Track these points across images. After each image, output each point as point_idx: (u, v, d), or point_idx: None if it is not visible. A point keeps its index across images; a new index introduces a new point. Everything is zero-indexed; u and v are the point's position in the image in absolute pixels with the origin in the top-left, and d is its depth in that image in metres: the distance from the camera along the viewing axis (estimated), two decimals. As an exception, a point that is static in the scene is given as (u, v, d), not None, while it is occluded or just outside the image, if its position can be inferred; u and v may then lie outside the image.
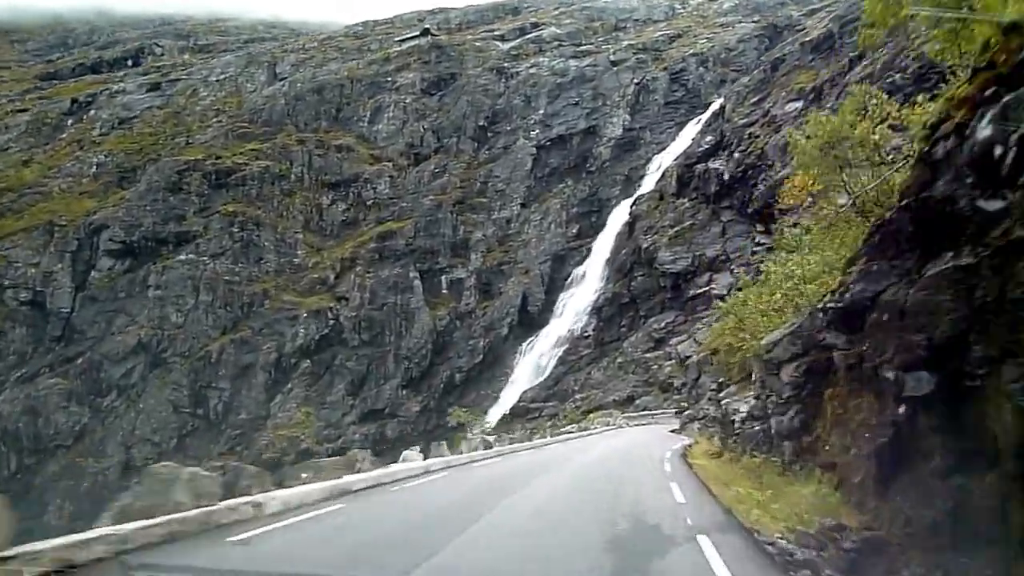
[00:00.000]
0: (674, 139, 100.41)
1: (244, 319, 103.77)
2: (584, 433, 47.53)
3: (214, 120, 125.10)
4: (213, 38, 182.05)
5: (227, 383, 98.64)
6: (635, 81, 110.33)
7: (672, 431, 41.11)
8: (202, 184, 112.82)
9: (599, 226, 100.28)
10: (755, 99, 76.27)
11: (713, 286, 71.00)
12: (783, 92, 71.17)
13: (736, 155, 73.36)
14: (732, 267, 69.14)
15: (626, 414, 62.51)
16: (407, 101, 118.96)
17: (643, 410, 62.44)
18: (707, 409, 30.77)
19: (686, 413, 37.40)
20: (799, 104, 66.98)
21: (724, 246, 72.84)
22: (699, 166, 79.46)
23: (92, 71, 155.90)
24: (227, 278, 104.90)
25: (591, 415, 60.45)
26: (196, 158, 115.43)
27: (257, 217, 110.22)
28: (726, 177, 73.53)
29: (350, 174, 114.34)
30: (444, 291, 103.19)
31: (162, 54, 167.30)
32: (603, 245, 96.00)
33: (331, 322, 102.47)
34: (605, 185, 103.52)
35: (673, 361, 66.27)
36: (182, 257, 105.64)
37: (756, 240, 65.06)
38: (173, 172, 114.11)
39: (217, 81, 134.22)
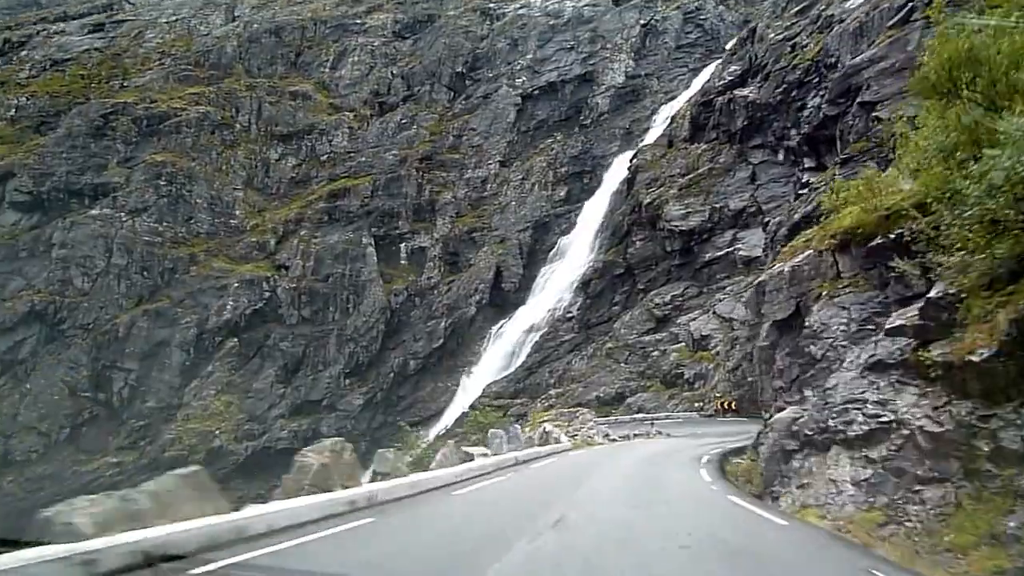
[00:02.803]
0: (687, 87, 79.98)
1: (164, 287, 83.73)
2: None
3: (156, 63, 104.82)
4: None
5: (135, 363, 78.73)
6: (641, 22, 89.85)
7: (722, 462, 20.37)
8: (130, 130, 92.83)
9: (592, 188, 79.96)
10: (798, 7, 55.76)
11: (739, 246, 50.84)
12: (840, -8, 50.53)
13: (772, 77, 52.80)
14: (766, 220, 48.54)
15: (614, 418, 42.09)
16: (376, 44, 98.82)
17: (637, 411, 41.88)
18: (854, 408, 10.59)
19: (784, 415, 12.82)
20: (865, -3, 46.36)
21: (754, 195, 52.50)
22: (720, 99, 58.95)
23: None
24: (147, 238, 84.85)
25: (537, 417, 39.31)
26: (126, 101, 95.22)
27: (190, 169, 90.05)
28: (758, 105, 52.91)
29: (304, 124, 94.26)
30: (403, 261, 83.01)
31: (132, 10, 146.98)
32: (596, 209, 75.64)
33: (266, 294, 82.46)
34: (601, 140, 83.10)
35: (682, 344, 45.99)
36: (95, 212, 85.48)
37: (803, 181, 44.43)
38: (98, 116, 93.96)
39: (167, 23, 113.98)
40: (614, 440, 32.31)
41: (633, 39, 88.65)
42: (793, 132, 48.54)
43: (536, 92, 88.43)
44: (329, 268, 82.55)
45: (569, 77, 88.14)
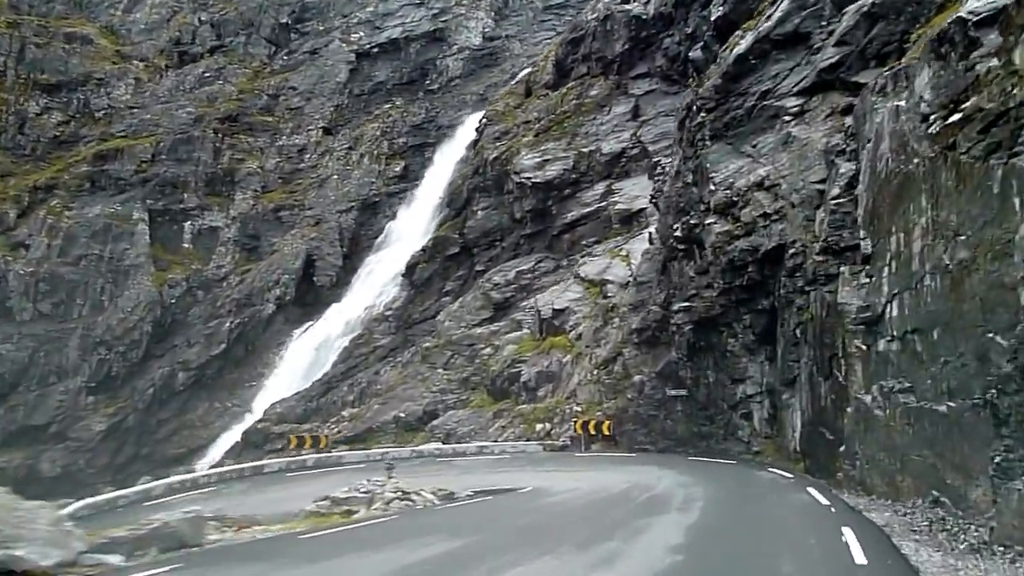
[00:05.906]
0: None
1: None
2: None
3: None
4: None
5: None
6: (505, -22, 74.15)
7: None
8: None
9: (435, 162, 62.49)
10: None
11: (615, 199, 34.32)
12: None
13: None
14: (656, 161, 32.18)
15: (312, 458, 23.71)
16: (184, -13, 77.94)
17: (445, 438, 23.72)
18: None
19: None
20: None
21: (637, 134, 36.43)
22: (593, 21, 42.90)
23: None
24: None
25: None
26: None
27: (-94, 117, 65.71)
28: (645, 21, 37.00)
29: (79, 73, 71.86)
30: (186, 244, 62.32)
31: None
32: (438, 182, 58.16)
33: (-8, 281, 59.16)
34: (450, 108, 66.19)
35: (525, 333, 28.37)
36: None
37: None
38: None
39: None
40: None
41: (494, -4, 72.78)
42: (697, 37, 32.72)
43: (375, 50, 70.66)
44: (83, 248, 60.62)
45: (416, 35, 70.95)
